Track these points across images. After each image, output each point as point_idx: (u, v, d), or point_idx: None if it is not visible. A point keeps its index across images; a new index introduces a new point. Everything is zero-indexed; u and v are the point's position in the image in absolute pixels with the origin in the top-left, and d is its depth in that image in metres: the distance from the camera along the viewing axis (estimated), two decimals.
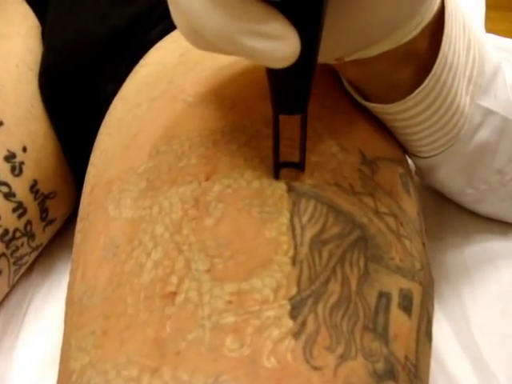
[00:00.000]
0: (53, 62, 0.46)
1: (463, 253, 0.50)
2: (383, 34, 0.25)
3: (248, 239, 0.26)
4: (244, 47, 0.20)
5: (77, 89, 0.45)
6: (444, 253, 0.50)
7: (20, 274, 0.46)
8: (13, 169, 0.42)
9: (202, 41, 0.22)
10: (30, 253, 0.44)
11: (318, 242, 0.26)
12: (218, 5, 0.19)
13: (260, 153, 0.29)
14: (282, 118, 0.26)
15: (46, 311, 0.47)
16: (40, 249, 0.47)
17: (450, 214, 0.52)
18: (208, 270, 0.25)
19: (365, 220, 0.29)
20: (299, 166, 0.28)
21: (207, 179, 0.28)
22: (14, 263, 0.43)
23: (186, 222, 0.27)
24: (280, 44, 0.19)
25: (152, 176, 0.30)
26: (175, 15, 0.23)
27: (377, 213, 0.29)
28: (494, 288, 0.47)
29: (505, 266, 0.49)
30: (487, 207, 0.48)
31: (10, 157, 0.42)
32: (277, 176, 0.28)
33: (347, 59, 0.28)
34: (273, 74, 0.23)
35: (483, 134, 0.36)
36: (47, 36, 0.48)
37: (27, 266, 0.46)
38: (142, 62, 0.41)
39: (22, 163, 0.42)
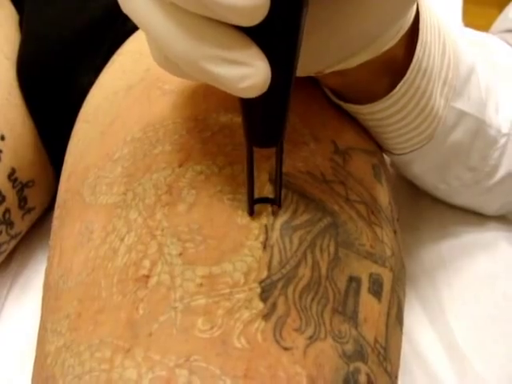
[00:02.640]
0: (30, 51, 0.46)
1: (439, 242, 0.51)
2: (362, 47, 0.26)
3: (219, 225, 0.27)
4: (209, 73, 0.19)
5: (54, 77, 0.45)
6: (420, 242, 0.51)
7: None
8: None
9: (172, 66, 0.21)
10: (9, 241, 0.44)
11: (288, 228, 0.27)
12: (185, 28, 0.18)
13: (233, 140, 0.29)
14: None
15: (25, 299, 0.47)
16: (19, 237, 0.47)
17: (426, 205, 0.53)
18: (180, 254, 0.26)
19: (335, 207, 0.29)
20: (275, 201, 0.27)
21: (180, 166, 0.28)
22: None
23: (159, 208, 0.27)
24: (248, 72, 0.18)
25: (127, 163, 0.30)
26: (148, 40, 0.22)
27: (347, 200, 0.30)
28: (468, 276, 0.48)
29: (479, 254, 0.50)
30: (461, 200, 0.49)
31: None
32: (251, 212, 0.27)
33: (327, 72, 0.28)
34: (245, 104, 0.22)
35: (457, 135, 0.37)
36: (25, 25, 0.48)
37: (6, 254, 0.46)
38: (119, 51, 0.41)
39: None
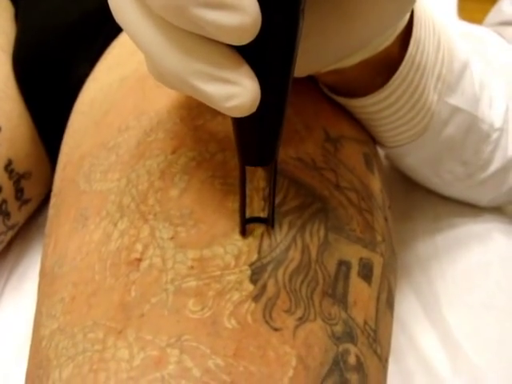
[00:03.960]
0: (26, 44, 0.46)
1: (433, 233, 0.51)
2: (358, 49, 0.26)
3: (211, 210, 0.27)
4: (196, 89, 0.18)
5: (50, 69, 0.45)
6: (414, 233, 0.51)
7: None
8: None
9: (163, 79, 0.21)
10: (6, 232, 0.45)
11: (278, 213, 0.28)
12: (174, 42, 0.18)
13: (225, 128, 0.30)
14: None
15: (22, 290, 0.47)
16: (16, 228, 0.47)
17: (420, 196, 0.53)
18: (172, 238, 0.26)
19: (326, 193, 0.30)
20: (267, 221, 0.27)
21: (173, 152, 0.29)
22: None
23: (152, 193, 0.28)
24: (235, 91, 0.18)
25: (121, 150, 0.31)
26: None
27: (338, 187, 0.30)
28: (461, 265, 0.49)
29: (473, 245, 0.50)
30: (454, 192, 0.49)
31: None
32: (243, 232, 0.26)
33: (324, 71, 0.28)
34: (237, 123, 0.21)
35: (450, 129, 0.37)
36: (21, 17, 0.48)
37: (3, 245, 0.46)
38: (114, 43, 0.41)
39: None
